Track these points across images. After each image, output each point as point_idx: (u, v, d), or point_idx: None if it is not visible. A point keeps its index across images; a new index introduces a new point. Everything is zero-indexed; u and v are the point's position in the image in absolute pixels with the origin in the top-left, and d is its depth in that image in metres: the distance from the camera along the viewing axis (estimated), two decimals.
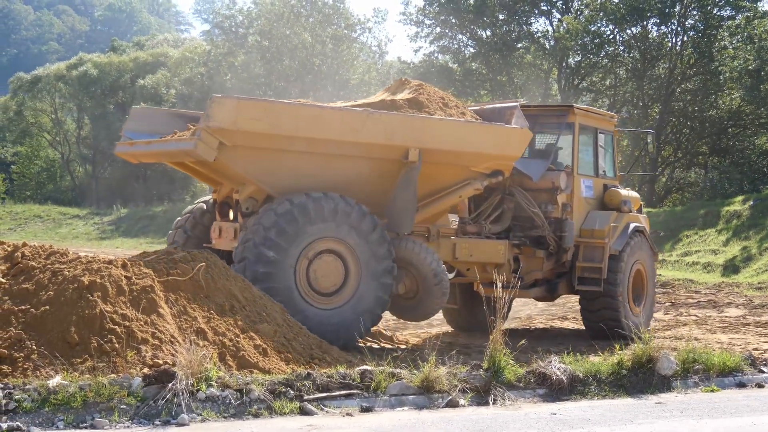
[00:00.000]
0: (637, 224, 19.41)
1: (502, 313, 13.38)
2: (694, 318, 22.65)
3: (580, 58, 53.31)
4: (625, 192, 19.86)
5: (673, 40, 51.45)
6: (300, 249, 14.96)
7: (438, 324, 20.65)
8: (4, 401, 9.61)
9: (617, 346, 14.75)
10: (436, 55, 61.86)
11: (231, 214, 16.61)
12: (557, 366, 13.11)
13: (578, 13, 53.83)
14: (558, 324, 22.05)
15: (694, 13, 50.50)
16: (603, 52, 52.12)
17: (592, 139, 19.60)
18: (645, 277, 19.73)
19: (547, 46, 55.79)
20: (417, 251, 16.02)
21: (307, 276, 15.13)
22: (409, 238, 16.22)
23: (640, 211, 20.49)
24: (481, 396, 12.19)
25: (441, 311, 19.60)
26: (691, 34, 51.01)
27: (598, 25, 51.49)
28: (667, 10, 49.26)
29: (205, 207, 17.37)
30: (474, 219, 18.36)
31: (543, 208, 18.57)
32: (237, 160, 15.09)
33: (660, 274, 29.92)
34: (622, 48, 52.55)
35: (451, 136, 16.42)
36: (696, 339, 17.28)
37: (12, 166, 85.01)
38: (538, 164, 18.68)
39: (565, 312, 23.59)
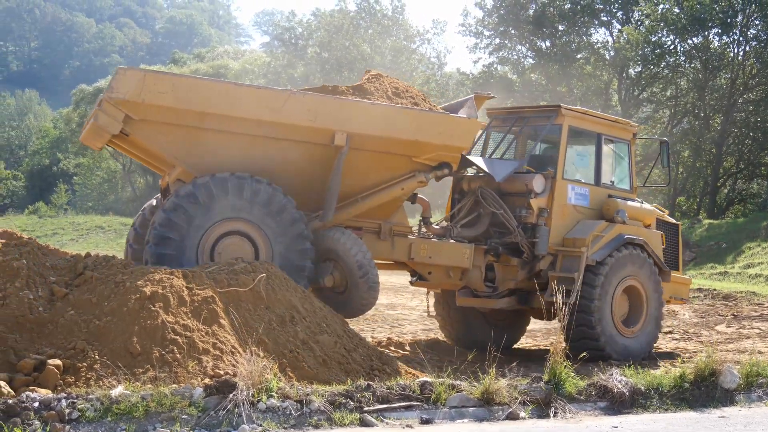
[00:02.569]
0: (632, 236, 17.76)
1: (563, 324, 13.32)
2: (757, 331, 22.33)
3: (640, 69, 52.88)
4: (635, 204, 18.49)
5: (735, 50, 50.92)
6: (202, 231, 14.40)
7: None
8: (67, 411, 9.69)
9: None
10: (495, 66, 61.78)
11: None
12: (618, 378, 13.03)
13: (639, 23, 53.46)
14: None
15: (757, 23, 49.93)
16: (664, 63, 51.65)
17: (591, 145, 18.37)
18: (644, 295, 17.89)
19: (607, 57, 55.49)
20: (343, 241, 15.25)
21: (212, 258, 14.51)
22: (338, 228, 15.51)
23: (655, 226, 18.95)
24: (542, 408, 12.13)
25: (437, 322, 19.55)
26: (754, 44, 50.47)
27: (659, 35, 51.05)
28: (728, 20, 48.77)
29: (155, 203, 16.81)
30: (452, 221, 17.76)
31: (516, 212, 17.43)
32: (151, 136, 14.74)
33: (715, 289, 29.45)
34: (683, 58, 52.08)
35: (383, 121, 15.55)
36: (759, 352, 17.10)
37: (74, 177, 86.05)
38: (507, 164, 17.64)
39: None
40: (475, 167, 17.78)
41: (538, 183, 17.29)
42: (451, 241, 17.20)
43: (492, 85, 55.75)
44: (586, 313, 16.83)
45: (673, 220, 20.13)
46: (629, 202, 18.30)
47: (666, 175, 21.51)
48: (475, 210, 17.79)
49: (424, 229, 17.50)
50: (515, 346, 19.34)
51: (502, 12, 58.01)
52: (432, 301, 19.36)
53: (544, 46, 58.25)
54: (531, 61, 59.76)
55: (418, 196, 17.41)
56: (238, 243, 14.64)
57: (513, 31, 58.44)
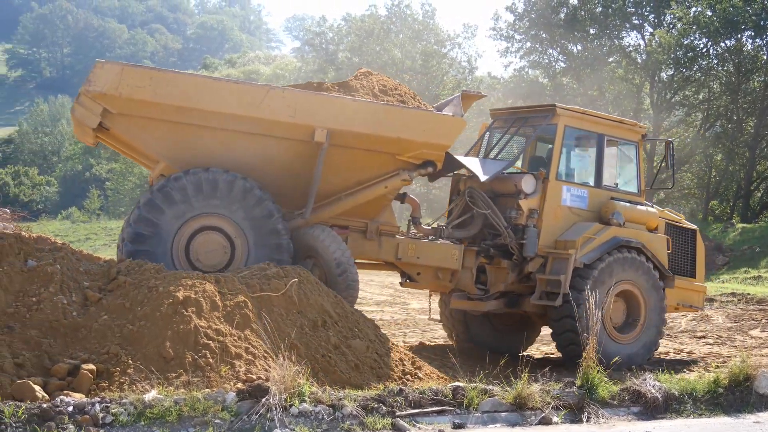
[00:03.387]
0: (628, 239, 17.06)
1: (595, 329, 13.26)
2: None
3: (672, 72, 52.64)
4: (637, 207, 17.66)
5: None
6: (176, 227, 14.37)
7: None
8: (101, 415, 9.73)
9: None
10: (526, 69, 61.73)
11: None
12: (652, 383, 12.97)
13: (671, 26, 53.27)
14: None
15: None
16: (696, 66, 51.46)
17: (593, 146, 17.72)
18: (641, 301, 17.11)
19: (639, 60, 55.27)
20: (322, 239, 15.08)
21: (187, 254, 14.50)
22: (318, 226, 15.33)
23: (664, 230, 18.20)
24: (575, 413, 12.10)
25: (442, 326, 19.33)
26: None
27: (692, 38, 50.87)
28: (762, 23, 48.56)
29: None
30: (447, 222, 17.52)
31: (506, 213, 17.02)
32: (130, 130, 14.74)
33: (748, 293, 29.29)
34: (715, 61, 51.88)
35: (364, 118, 15.30)
36: None
37: (106, 183, 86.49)
38: (494, 164, 17.23)
39: None
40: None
41: (527, 183, 16.82)
42: (441, 241, 16.96)
43: (523, 90, 55.73)
44: (572, 318, 15.96)
45: (691, 225, 19.41)
46: (632, 205, 17.62)
47: (671, 176, 20.47)
48: (468, 211, 17.49)
49: (413, 229, 17.24)
50: (527, 351, 18.89)
51: (533, 16, 57.90)
52: (435, 304, 19.16)
53: (575, 49, 58.12)
54: (562, 64, 59.62)
55: (408, 195, 17.23)
56: (214, 238, 14.62)
57: (544, 35, 58.31)
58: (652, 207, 18.29)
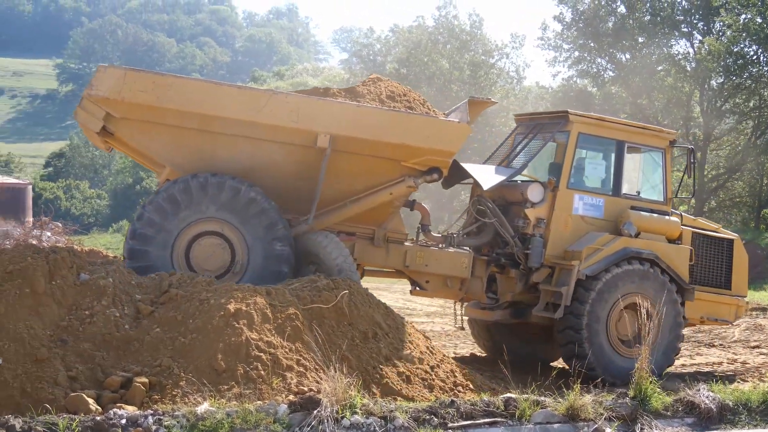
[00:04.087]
0: (639, 250, 16.41)
1: (647, 340, 13.15)
2: None
3: (722, 80, 52.19)
4: (657, 216, 16.94)
5: None
6: (177, 230, 14.41)
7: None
8: (154, 427, 9.79)
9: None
10: (574, 79, 61.39)
11: None
12: (706, 394, 12.85)
13: (720, 34, 52.83)
14: None
15: None
16: (746, 74, 50.96)
17: (611, 153, 17.09)
18: (653, 314, 15.93)
19: (689, 68, 54.85)
20: (324, 245, 14.95)
21: (187, 258, 14.50)
22: (322, 232, 15.24)
23: (691, 241, 17.32)
24: (628, 424, 12.02)
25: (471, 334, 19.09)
26: None
27: (741, 45, 50.40)
28: None
29: None
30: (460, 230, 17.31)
31: (514, 222, 16.79)
32: (134, 135, 14.82)
33: None
34: (766, 68, 51.37)
35: (368, 124, 15.16)
36: None
37: None
38: (500, 172, 16.84)
39: None
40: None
41: (534, 192, 16.49)
42: (450, 249, 16.76)
43: (571, 99, 55.44)
44: (574, 330, 15.88)
45: (729, 235, 18.26)
46: (651, 214, 16.91)
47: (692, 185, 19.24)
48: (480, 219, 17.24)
49: (423, 237, 17.05)
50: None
51: (581, 25, 57.58)
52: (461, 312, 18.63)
53: (623, 58, 57.76)
54: (611, 73, 59.25)
55: (417, 202, 17.12)
56: (214, 243, 14.63)
57: (592, 44, 57.97)
58: (680, 216, 17.67)
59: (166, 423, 9.87)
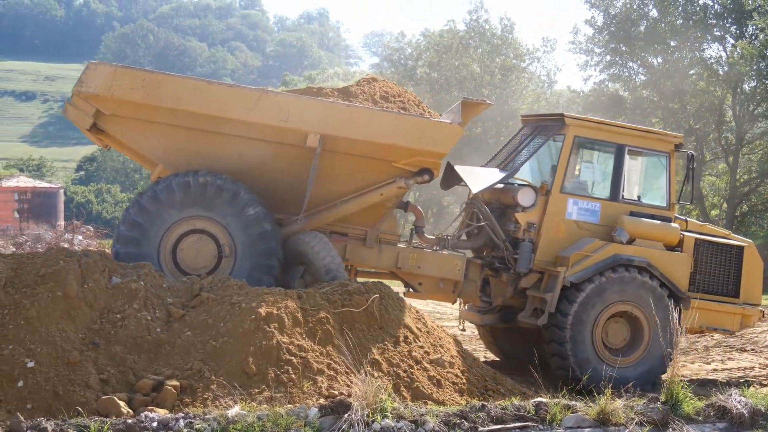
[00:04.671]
0: (632, 257, 15.99)
1: (677, 346, 13.09)
2: None
3: (755, 84, 51.90)
4: (659, 223, 16.51)
5: None
6: (163, 229, 14.36)
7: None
8: (185, 430, 9.82)
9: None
10: (606, 83, 61.17)
11: None
12: (738, 399, 12.79)
13: (753, 37, 52.54)
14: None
15: None
16: None
17: (610, 156, 16.74)
18: (644, 323, 15.89)
19: (721, 72, 54.59)
20: (313, 245, 14.81)
21: (174, 256, 14.46)
22: (311, 232, 15.12)
23: (688, 247, 16.83)
24: (659, 429, 12.00)
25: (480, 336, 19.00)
26: None
27: None
28: None
29: None
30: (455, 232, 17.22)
31: (505, 225, 16.57)
32: (125, 132, 14.82)
33: None
34: None
35: (358, 123, 15.03)
36: None
37: None
38: (491, 174, 16.63)
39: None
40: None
41: (524, 196, 16.17)
42: (444, 252, 16.70)
43: (603, 103, 55.27)
44: (557, 341, 15.66)
45: (740, 242, 17.61)
46: (647, 220, 16.48)
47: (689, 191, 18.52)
48: (476, 220, 17.13)
49: (416, 239, 16.98)
50: None
51: (612, 29, 57.37)
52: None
53: (655, 62, 57.54)
54: (642, 77, 59.03)
55: (411, 204, 17.04)
56: (201, 241, 14.58)
57: (624, 48, 57.75)
58: (685, 222, 17.27)
59: (197, 426, 9.90)
